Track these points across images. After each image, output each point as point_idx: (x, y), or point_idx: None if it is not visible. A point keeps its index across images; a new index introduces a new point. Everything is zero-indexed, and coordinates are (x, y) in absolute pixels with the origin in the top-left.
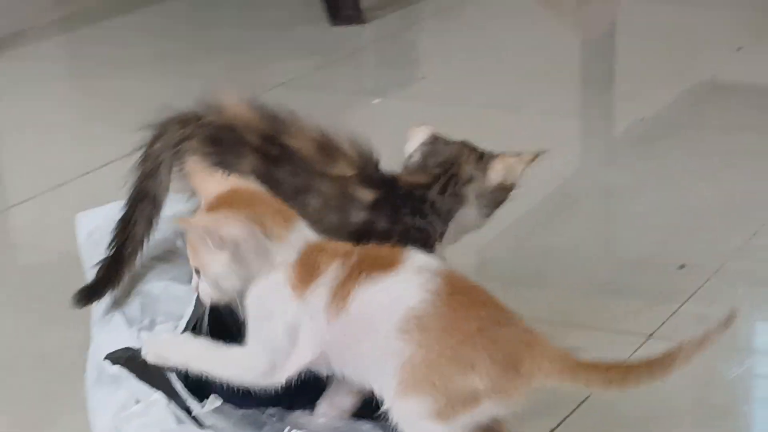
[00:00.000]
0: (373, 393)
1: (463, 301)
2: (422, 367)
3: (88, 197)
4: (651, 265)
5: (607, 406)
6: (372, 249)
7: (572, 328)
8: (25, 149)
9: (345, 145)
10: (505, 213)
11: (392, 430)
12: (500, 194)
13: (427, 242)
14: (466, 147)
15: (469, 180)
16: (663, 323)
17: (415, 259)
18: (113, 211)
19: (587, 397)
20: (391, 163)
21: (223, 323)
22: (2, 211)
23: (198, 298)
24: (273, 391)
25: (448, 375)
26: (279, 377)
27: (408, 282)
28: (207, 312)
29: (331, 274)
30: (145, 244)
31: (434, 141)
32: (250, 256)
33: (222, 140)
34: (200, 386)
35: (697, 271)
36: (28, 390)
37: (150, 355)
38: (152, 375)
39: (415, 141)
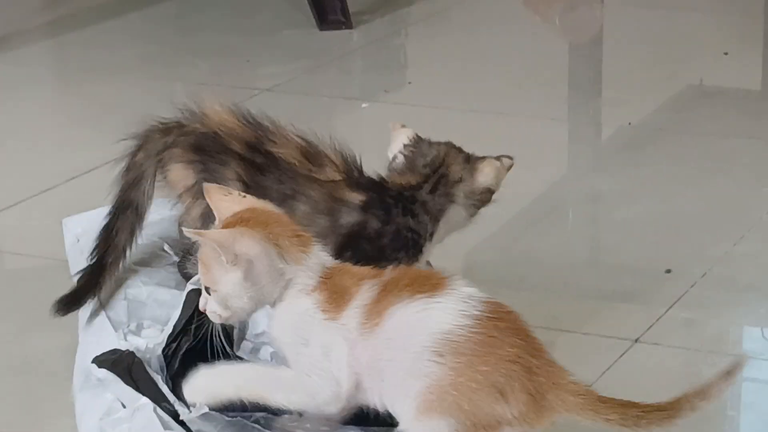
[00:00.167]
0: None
1: (500, 328)
2: (452, 390)
3: (73, 203)
4: (637, 269)
5: None
6: (411, 270)
7: (559, 333)
8: (9, 154)
9: (328, 151)
10: (492, 217)
11: None
12: (486, 195)
13: (417, 242)
14: (453, 148)
15: (459, 180)
16: (649, 328)
17: (458, 284)
18: (100, 216)
19: None
20: (379, 166)
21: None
22: None
23: (185, 303)
24: None
25: (478, 400)
26: (340, 405)
27: (448, 305)
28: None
29: (363, 294)
30: (127, 253)
31: (418, 142)
32: (263, 276)
33: (205, 148)
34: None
35: (683, 276)
36: (14, 395)
37: (196, 396)
38: (139, 379)
39: (398, 143)
